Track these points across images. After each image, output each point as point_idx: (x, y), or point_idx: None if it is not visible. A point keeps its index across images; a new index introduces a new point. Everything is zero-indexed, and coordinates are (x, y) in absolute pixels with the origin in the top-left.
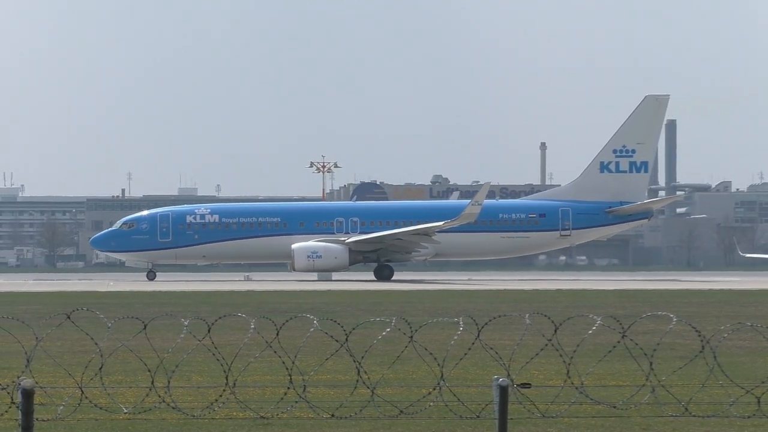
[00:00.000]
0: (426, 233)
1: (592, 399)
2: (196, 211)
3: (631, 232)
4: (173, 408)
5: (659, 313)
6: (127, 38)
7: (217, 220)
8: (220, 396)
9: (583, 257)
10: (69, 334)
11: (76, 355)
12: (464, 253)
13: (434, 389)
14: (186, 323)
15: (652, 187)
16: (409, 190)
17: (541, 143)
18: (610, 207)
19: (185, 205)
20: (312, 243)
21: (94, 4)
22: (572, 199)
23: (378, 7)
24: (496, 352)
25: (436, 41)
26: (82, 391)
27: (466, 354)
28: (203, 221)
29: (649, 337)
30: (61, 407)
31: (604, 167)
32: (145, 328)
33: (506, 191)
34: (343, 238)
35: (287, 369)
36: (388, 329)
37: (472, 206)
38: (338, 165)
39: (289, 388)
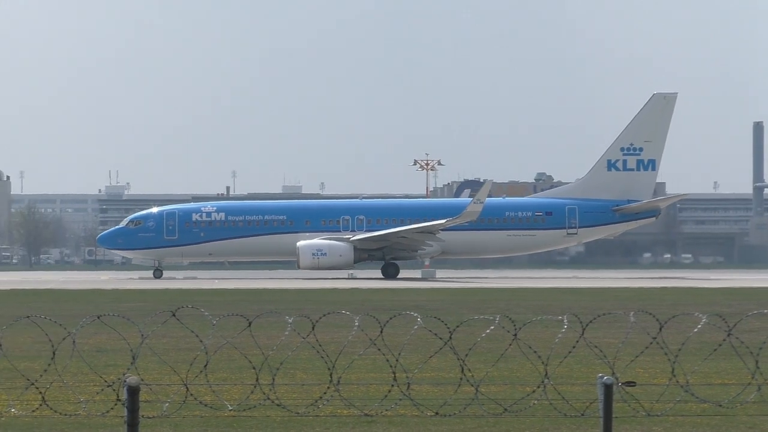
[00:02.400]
0: (430, 231)
1: (697, 397)
2: (202, 209)
3: (737, 229)
4: (278, 405)
5: (765, 311)
6: (235, 38)
7: (223, 218)
8: (324, 393)
9: (689, 255)
10: (174, 331)
11: (181, 353)
12: (470, 251)
13: (538, 387)
14: (290, 321)
15: (757, 184)
16: (512, 188)
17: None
18: (617, 205)
19: (191, 203)
20: (317, 241)
21: (200, 6)
22: (579, 197)
23: (482, 5)
24: (601, 351)
25: (542, 39)
26: (187, 388)
27: (570, 352)
28: (209, 219)
29: (755, 336)
30: (167, 404)
31: (611, 165)
32: (250, 326)
33: None
34: (348, 236)
35: (391, 366)
36: (492, 327)
37: (473, 204)
38: (442, 163)
39: (393, 385)
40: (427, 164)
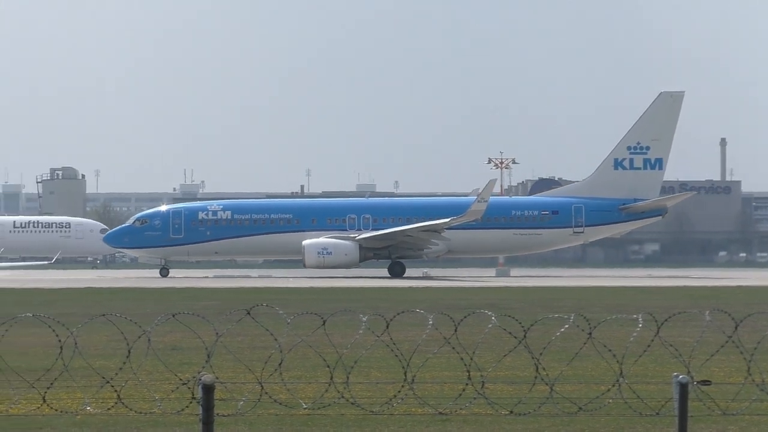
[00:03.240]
0: (435, 230)
1: None
2: (208, 207)
3: None
4: (352, 404)
5: None
6: (311, 36)
7: (229, 217)
8: (399, 392)
9: (765, 254)
10: (249, 329)
11: (255, 351)
12: (476, 250)
13: (613, 386)
14: (365, 319)
15: None
16: None
17: (721, 139)
18: (623, 204)
19: (198, 202)
20: (322, 239)
21: (270, 3)
22: (586, 196)
23: (549, 4)
24: (676, 349)
25: (614, 36)
26: (261, 386)
27: (645, 351)
28: (215, 218)
29: None
30: (241, 402)
31: (618, 164)
32: (324, 324)
33: (686, 186)
34: (353, 235)
35: (465, 365)
36: (567, 326)
37: (477, 203)
38: (516, 161)
39: (467, 384)
40: (501, 162)
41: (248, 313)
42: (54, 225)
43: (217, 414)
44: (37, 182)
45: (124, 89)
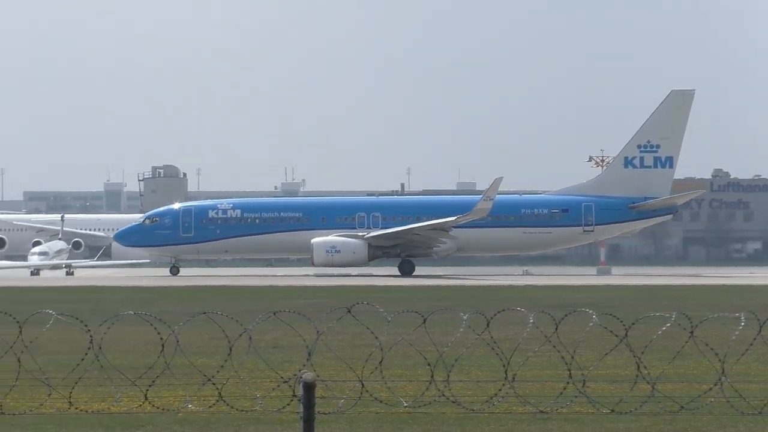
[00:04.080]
0: (443, 228)
1: None
2: (218, 206)
3: None
4: (452, 402)
5: None
6: (416, 35)
7: (239, 215)
8: (500, 390)
9: None
10: (349, 328)
11: (356, 349)
12: (486, 248)
13: (715, 385)
14: (465, 317)
15: None
16: (687, 184)
17: None
18: (633, 202)
19: (208, 200)
20: (331, 238)
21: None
22: (596, 195)
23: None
24: None
25: (713, 35)
26: (362, 384)
27: (747, 350)
28: (225, 216)
29: None
30: (342, 400)
31: (628, 162)
32: (425, 322)
33: None
34: (362, 233)
35: (566, 364)
36: (668, 324)
37: (483, 201)
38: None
39: (568, 383)
40: (602, 160)
41: (349, 311)
42: None
43: (318, 412)
44: (139, 180)
45: (226, 88)
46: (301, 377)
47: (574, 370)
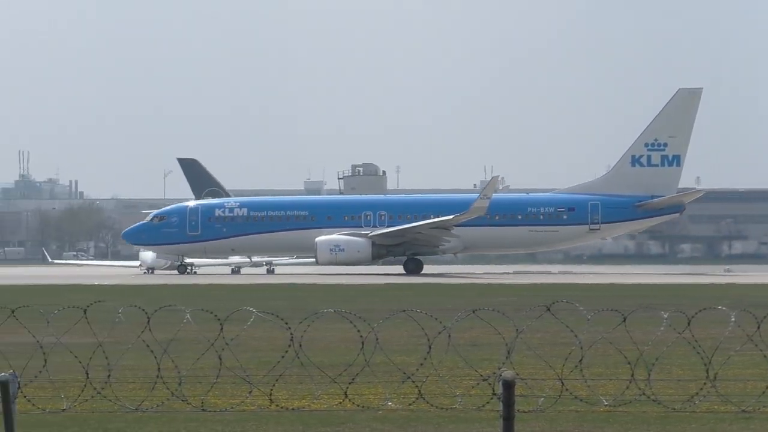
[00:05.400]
0: (444, 227)
1: None
2: (225, 204)
3: None
4: (653, 401)
5: None
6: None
7: (245, 214)
8: (701, 389)
9: None
10: (549, 326)
11: (556, 347)
12: (493, 247)
13: None
14: (665, 316)
15: None
16: None
17: None
18: (640, 201)
19: (216, 199)
20: (335, 236)
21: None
22: (603, 193)
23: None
24: None
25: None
26: (562, 383)
27: None
28: (232, 215)
29: None
30: (542, 399)
31: (635, 161)
32: (624, 321)
33: None
34: (366, 232)
35: None
36: None
37: (480, 200)
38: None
39: None
40: None
41: (548, 310)
42: None
43: (518, 410)
44: (339, 178)
45: (422, 87)
46: (500, 375)
47: None
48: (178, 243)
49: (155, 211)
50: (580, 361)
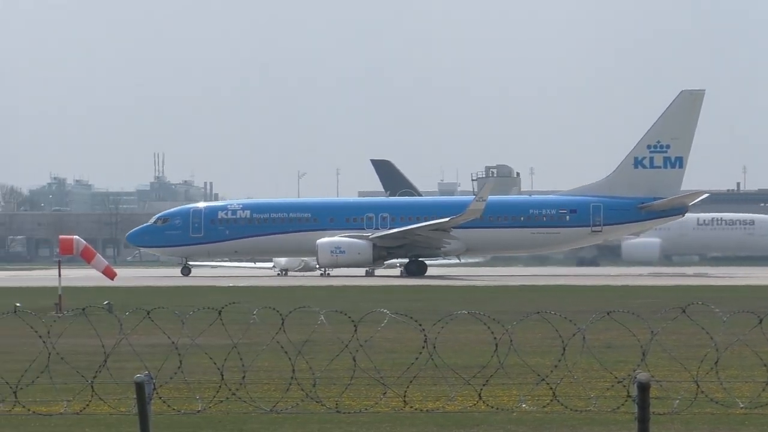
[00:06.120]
0: (443, 228)
1: None
2: (228, 206)
3: None
4: None
5: None
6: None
7: (248, 216)
8: None
9: None
10: (684, 328)
11: (691, 349)
12: (494, 248)
13: None
14: None
15: None
16: None
17: None
18: (642, 203)
19: (219, 201)
20: (336, 238)
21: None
22: (605, 195)
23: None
24: None
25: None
26: (697, 385)
27: None
28: (235, 217)
29: None
30: (677, 401)
31: (638, 163)
32: (761, 323)
33: None
34: (367, 234)
35: None
36: None
37: (476, 202)
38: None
39: None
40: None
41: (683, 311)
42: (738, 222)
43: (653, 412)
44: (472, 180)
45: (550, 88)
46: (635, 377)
47: None
48: (181, 245)
49: (159, 213)
50: (716, 363)
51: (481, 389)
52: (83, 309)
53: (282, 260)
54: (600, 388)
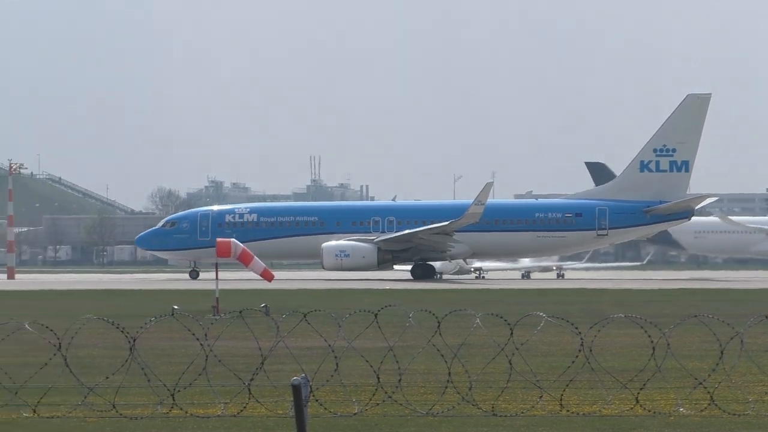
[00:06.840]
0: (446, 232)
1: None
2: (235, 210)
3: None
4: None
5: None
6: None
7: (255, 219)
8: None
9: None
10: None
11: None
12: (500, 252)
13: None
14: None
15: None
16: None
17: None
18: (648, 206)
19: (227, 205)
20: (341, 242)
21: None
22: (611, 199)
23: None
24: None
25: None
26: None
27: None
28: (242, 220)
29: None
30: None
31: (644, 166)
32: None
33: None
34: (371, 237)
35: None
36: None
37: (475, 206)
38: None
39: None
40: None
41: (766, 318)
42: None
43: None
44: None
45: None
46: None
47: None
48: (189, 248)
49: (168, 217)
50: None
51: (639, 393)
52: (240, 312)
53: (437, 263)
54: (758, 392)
